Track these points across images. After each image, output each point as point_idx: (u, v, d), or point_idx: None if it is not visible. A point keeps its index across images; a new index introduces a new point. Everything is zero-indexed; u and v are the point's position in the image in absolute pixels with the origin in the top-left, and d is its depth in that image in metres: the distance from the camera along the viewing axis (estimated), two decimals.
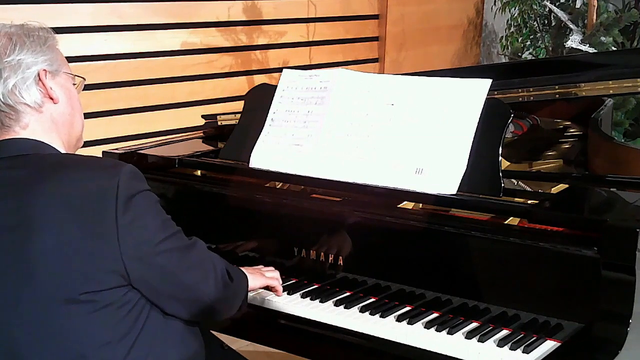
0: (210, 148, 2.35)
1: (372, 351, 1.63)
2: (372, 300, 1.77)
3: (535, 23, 5.03)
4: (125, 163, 1.48)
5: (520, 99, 2.24)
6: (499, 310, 1.63)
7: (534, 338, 1.55)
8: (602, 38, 4.24)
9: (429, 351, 1.57)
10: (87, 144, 1.72)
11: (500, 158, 1.74)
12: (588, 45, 4.22)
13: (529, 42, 5.07)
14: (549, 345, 1.54)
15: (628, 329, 1.42)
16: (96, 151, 2.05)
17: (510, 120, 1.78)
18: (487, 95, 1.80)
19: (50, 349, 1.40)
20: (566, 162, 2.27)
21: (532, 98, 2.24)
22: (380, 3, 5.11)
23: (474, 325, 1.64)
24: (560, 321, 1.55)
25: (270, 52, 4.58)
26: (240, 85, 4.41)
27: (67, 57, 1.64)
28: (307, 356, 1.80)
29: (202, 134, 2.57)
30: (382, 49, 5.16)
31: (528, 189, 1.88)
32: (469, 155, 1.76)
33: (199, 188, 2.10)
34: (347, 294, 1.81)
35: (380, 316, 1.70)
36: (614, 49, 4.27)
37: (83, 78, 1.67)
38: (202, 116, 2.66)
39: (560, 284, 1.55)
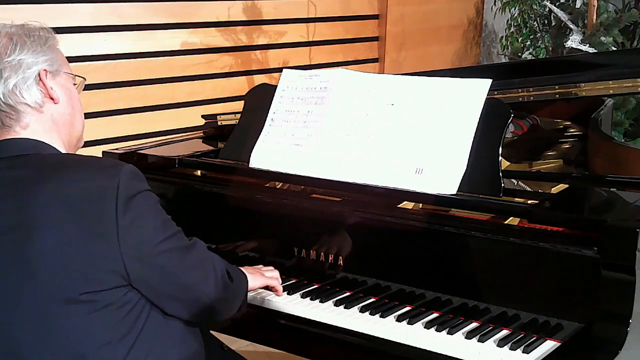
0: (210, 148, 2.35)
1: (372, 351, 1.63)
2: (372, 300, 1.77)
3: (535, 23, 5.03)
4: (126, 163, 1.48)
5: (520, 99, 2.24)
6: (499, 310, 1.63)
7: (534, 338, 1.55)
8: (602, 38, 4.24)
9: (429, 351, 1.57)
10: (87, 144, 1.72)
11: (500, 158, 1.74)
12: (588, 45, 4.22)
13: (529, 42, 5.07)
14: (549, 345, 1.54)
15: (628, 329, 1.42)
16: (96, 151, 2.05)
17: (510, 120, 1.78)
18: (487, 95, 1.80)
19: (50, 348, 1.40)
20: (566, 162, 2.27)
21: (532, 98, 2.24)
22: (380, 3, 5.12)
23: (474, 325, 1.64)
24: (560, 321, 1.55)
25: (270, 52, 4.58)
26: (240, 85, 4.41)
27: (67, 57, 1.64)
28: (307, 356, 1.80)
29: (202, 134, 2.57)
30: (382, 49, 5.16)
31: (528, 189, 1.88)
32: (469, 155, 1.76)
33: (199, 188, 2.10)
34: (347, 294, 1.81)
35: (380, 316, 1.70)
36: (614, 49, 4.27)
37: (83, 78, 1.67)
38: (202, 116, 2.66)
39: (560, 284, 1.55)
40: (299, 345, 1.76)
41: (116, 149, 2.29)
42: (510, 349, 1.53)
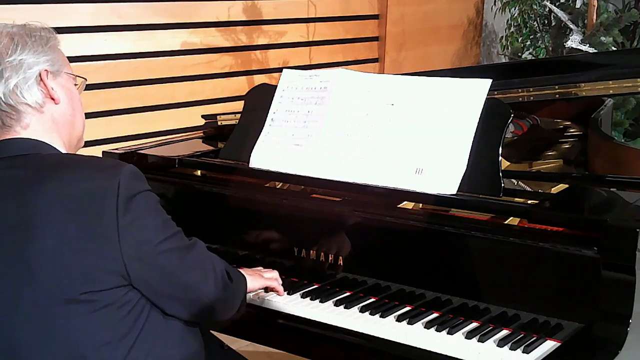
0: (210, 148, 2.35)
1: (372, 351, 1.63)
2: (372, 300, 1.77)
3: (535, 23, 5.03)
4: (126, 163, 1.48)
5: (520, 99, 2.24)
6: (499, 310, 1.63)
7: (534, 338, 1.55)
8: (602, 38, 4.24)
9: (429, 351, 1.57)
10: (87, 144, 1.72)
11: (500, 158, 1.74)
12: (588, 45, 4.22)
13: (529, 42, 5.07)
14: (549, 345, 1.54)
15: (628, 329, 1.42)
16: (96, 151, 2.05)
17: (510, 120, 1.78)
18: (487, 95, 1.80)
19: (50, 348, 1.40)
20: (566, 162, 2.27)
21: (532, 98, 2.23)
22: (380, 3, 5.12)
23: (474, 325, 1.64)
24: (560, 321, 1.55)
25: (270, 52, 4.58)
26: (240, 85, 4.41)
27: (67, 57, 1.64)
28: (307, 356, 1.80)
29: (202, 134, 2.57)
30: (382, 49, 5.16)
31: (528, 189, 1.88)
32: (469, 155, 1.76)
33: (199, 188, 2.10)
34: (347, 294, 1.81)
35: (380, 316, 1.70)
36: (614, 49, 4.27)
37: (84, 79, 1.67)
38: (202, 116, 2.66)
39: (560, 284, 1.55)
40: (299, 345, 1.76)
41: (116, 149, 2.29)
42: (510, 349, 1.53)
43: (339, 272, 1.84)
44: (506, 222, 1.67)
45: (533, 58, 4.87)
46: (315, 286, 1.86)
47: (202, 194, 2.09)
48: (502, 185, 1.72)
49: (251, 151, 2.06)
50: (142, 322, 1.47)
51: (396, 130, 1.86)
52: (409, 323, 1.66)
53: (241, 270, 1.74)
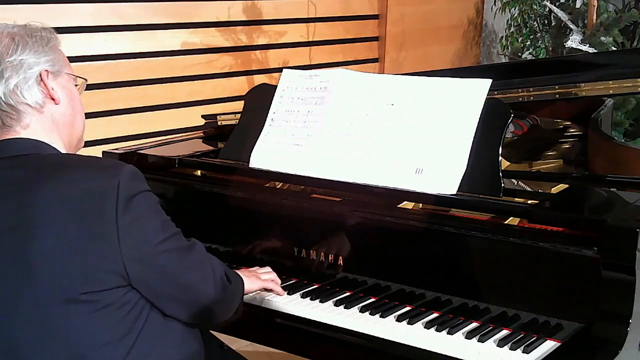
0: (210, 148, 2.35)
1: (372, 351, 1.63)
2: (372, 300, 1.77)
3: (535, 23, 5.03)
4: (126, 163, 1.47)
5: (520, 99, 2.24)
6: (499, 310, 1.63)
7: (534, 338, 1.55)
8: (602, 38, 4.24)
9: (429, 351, 1.57)
10: (87, 144, 1.72)
11: (500, 158, 1.74)
12: (588, 45, 4.22)
13: (529, 42, 5.07)
14: (549, 345, 1.54)
15: (628, 329, 1.42)
16: (96, 151, 2.05)
17: (510, 120, 1.78)
18: (487, 95, 1.80)
19: (50, 348, 1.40)
20: (566, 162, 2.27)
21: (532, 98, 2.23)
22: (380, 3, 5.12)
23: (474, 325, 1.64)
24: (560, 321, 1.55)
25: (270, 52, 4.58)
26: (240, 85, 4.41)
27: (67, 57, 1.64)
28: (307, 356, 1.80)
29: (202, 134, 2.57)
30: (382, 49, 5.16)
31: (528, 189, 1.88)
32: (469, 155, 1.76)
33: (199, 188, 2.10)
34: (347, 294, 1.81)
35: (380, 316, 1.70)
36: (614, 49, 4.27)
37: (85, 79, 1.67)
38: (202, 116, 2.66)
39: (560, 284, 1.55)
40: (299, 345, 1.76)
41: (116, 149, 2.29)
42: (510, 349, 1.53)
43: (339, 272, 1.84)
44: (506, 222, 1.67)
45: (533, 58, 4.87)
46: (315, 286, 1.86)
47: (202, 194, 2.09)
48: (502, 185, 1.72)
49: (251, 151, 2.06)
50: (142, 322, 1.47)
51: (396, 130, 1.86)
52: (409, 323, 1.66)
53: (238, 272, 1.74)
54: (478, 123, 1.77)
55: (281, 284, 1.86)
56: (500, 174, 1.73)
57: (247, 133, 2.11)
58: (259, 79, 4.43)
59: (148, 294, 1.47)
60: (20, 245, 1.39)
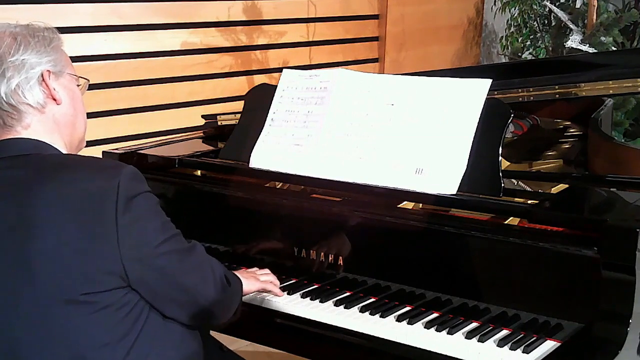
0: (210, 148, 2.35)
1: (372, 351, 1.63)
2: (372, 300, 1.77)
3: (535, 23, 5.03)
4: (126, 164, 1.47)
5: (520, 99, 2.24)
6: (499, 310, 1.63)
7: (534, 338, 1.55)
8: (602, 38, 4.24)
9: (429, 351, 1.57)
10: (87, 144, 1.71)
11: (500, 158, 1.74)
12: (588, 45, 4.22)
13: (529, 42, 5.07)
14: (549, 345, 1.54)
15: (628, 329, 1.42)
16: (96, 151, 2.05)
17: (510, 120, 1.78)
18: (487, 95, 1.80)
19: (50, 349, 1.40)
20: (566, 162, 2.27)
21: (532, 98, 2.24)
22: (380, 3, 5.12)
23: (474, 325, 1.64)
24: (560, 321, 1.55)
25: (270, 52, 4.58)
26: (240, 85, 4.41)
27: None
28: (307, 356, 1.80)
29: (202, 134, 2.57)
30: (382, 49, 5.16)
31: (528, 189, 1.88)
32: (469, 155, 1.76)
33: (199, 188, 2.10)
34: (347, 294, 1.81)
35: (380, 316, 1.70)
36: (614, 49, 4.27)
37: (87, 79, 1.66)
38: (202, 116, 2.66)
39: (560, 284, 1.55)
40: (299, 345, 1.76)
41: (116, 149, 2.29)
42: (510, 349, 1.53)
43: (339, 272, 1.84)
44: (506, 222, 1.67)
45: (533, 58, 4.87)
46: (315, 286, 1.86)
47: (202, 194, 2.09)
48: (502, 185, 1.72)
49: (251, 151, 2.06)
50: (142, 323, 1.46)
51: (396, 130, 1.86)
52: (409, 323, 1.66)
53: (237, 273, 1.74)
54: (478, 123, 1.77)
55: (281, 284, 1.86)
56: (500, 174, 1.73)
57: (247, 133, 2.11)
58: (259, 79, 4.43)
59: (147, 295, 1.47)
60: (20, 245, 1.39)
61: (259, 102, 2.14)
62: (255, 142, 2.06)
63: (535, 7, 4.95)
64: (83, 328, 1.40)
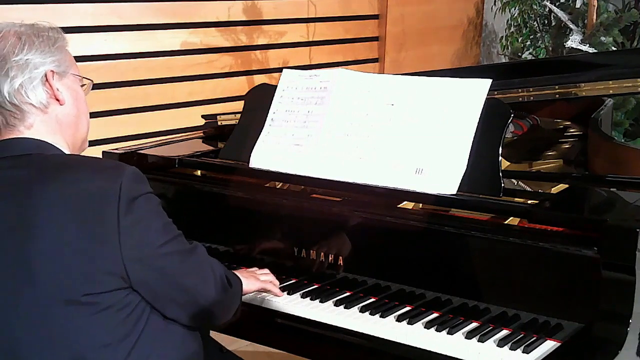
0: (210, 148, 2.35)
1: (372, 351, 1.63)
2: (372, 300, 1.77)
3: (535, 23, 5.03)
4: (128, 165, 1.47)
5: (520, 99, 2.24)
6: (499, 310, 1.63)
7: (534, 338, 1.55)
8: (602, 38, 4.24)
9: (429, 351, 1.57)
10: (88, 144, 1.71)
11: (500, 158, 1.74)
12: (588, 45, 4.23)
13: (529, 42, 5.07)
14: (549, 345, 1.54)
15: (628, 329, 1.42)
16: (96, 151, 2.05)
17: (510, 120, 1.78)
18: (487, 95, 1.80)
19: (50, 349, 1.40)
20: (566, 162, 2.27)
21: (532, 98, 2.23)
22: (380, 3, 5.12)
23: (474, 325, 1.64)
24: (560, 321, 1.55)
25: (270, 52, 4.59)
26: (240, 85, 4.41)
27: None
28: (307, 356, 1.80)
29: (202, 134, 2.57)
30: (382, 49, 5.16)
31: (528, 189, 1.88)
32: (469, 155, 1.76)
33: (199, 188, 2.10)
34: (347, 294, 1.81)
35: (380, 316, 1.70)
36: (614, 49, 4.27)
37: (91, 80, 1.66)
38: (202, 116, 2.66)
39: (560, 284, 1.55)
40: (299, 345, 1.76)
41: (116, 149, 2.29)
42: (510, 349, 1.53)
43: (339, 272, 1.84)
44: (506, 222, 1.67)
45: (533, 58, 4.87)
46: (315, 286, 1.86)
47: (202, 194, 2.09)
48: (502, 185, 1.72)
49: (251, 151, 2.06)
50: (142, 324, 1.46)
51: (396, 130, 1.86)
52: (409, 323, 1.66)
53: (237, 273, 1.74)
54: (478, 123, 1.77)
55: (281, 284, 1.86)
56: (500, 174, 1.73)
57: (247, 133, 2.11)
58: (259, 79, 4.43)
59: (148, 295, 1.47)
60: (21, 245, 1.39)
61: (259, 102, 2.14)
62: (255, 142, 2.06)
63: (535, 7, 4.95)
64: (84, 329, 1.40)
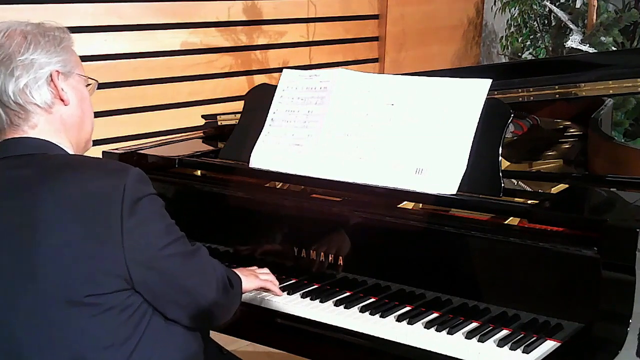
0: (210, 148, 2.35)
1: (372, 351, 1.63)
2: (372, 300, 1.77)
3: (535, 23, 5.03)
4: (132, 166, 1.46)
5: (520, 99, 2.24)
6: (499, 310, 1.63)
7: (534, 338, 1.55)
8: (602, 38, 4.24)
9: (429, 351, 1.57)
10: None
11: (500, 158, 1.74)
12: (588, 45, 4.22)
13: (529, 42, 5.07)
14: (549, 345, 1.54)
15: (628, 329, 1.42)
16: (96, 151, 2.04)
17: (510, 120, 1.78)
18: (487, 95, 1.80)
19: (51, 350, 1.40)
20: (566, 162, 2.27)
21: (532, 98, 2.23)
22: (380, 3, 5.12)
23: (474, 325, 1.64)
24: (560, 321, 1.55)
25: (270, 52, 4.59)
26: (240, 85, 4.41)
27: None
28: (307, 356, 1.80)
29: (202, 134, 2.57)
30: (382, 49, 5.16)
31: (528, 189, 1.88)
32: (469, 155, 1.76)
33: (199, 188, 2.10)
34: (347, 294, 1.81)
35: (380, 316, 1.70)
36: (614, 49, 4.27)
37: (96, 80, 1.66)
38: (202, 116, 2.66)
39: (560, 284, 1.55)
40: (299, 345, 1.76)
41: (116, 149, 2.29)
42: (510, 349, 1.53)
43: (339, 272, 1.84)
44: (506, 222, 1.67)
45: (533, 58, 4.87)
46: (315, 286, 1.86)
47: (202, 194, 2.09)
48: (502, 185, 1.72)
49: (251, 151, 2.06)
50: (144, 326, 1.46)
51: (396, 130, 1.86)
52: (409, 323, 1.66)
53: (236, 271, 1.74)
54: (478, 123, 1.77)
55: (281, 284, 1.86)
56: (500, 174, 1.73)
57: (247, 133, 2.11)
58: (259, 79, 4.43)
59: (150, 297, 1.47)
60: (24, 245, 1.39)
61: (259, 102, 2.14)
62: (255, 142, 2.06)
63: (535, 7, 4.95)
64: (85, 330, 1.40)
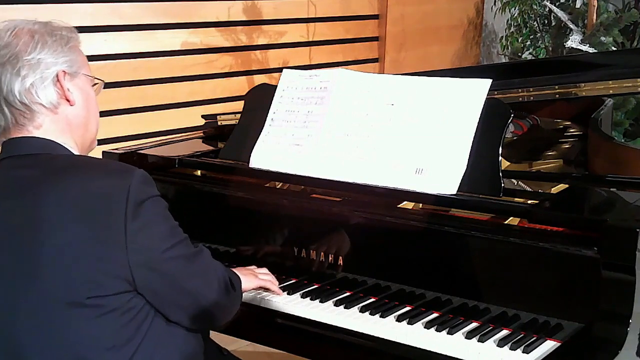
0: (210, 148, 2.35)
1: (372, 351, 1.63)
2: (372, 300, 1.77)
3: (535, 23, 5.03)
4: (137, 168, 1.46)
5: (520, 99, 2.24)
6: (499, 310, 1.63)
7: (534, 338, 1.55)
8: (602, 38, 4.24)
9: (429, 351, 1.57)
10: None
11: (500, 158, 1.74)
12: (588, 45, 4.22)
13: (529, 42, 5.07)
14: (549, 345, 1.54)
15: (628, 329, 1.42)
16: (96, 151, 2.04)
17: (510, 120, 1.78)
18: (487, 95, 1.80)
19: (53, 351, 1.40)
20: (566, 162, 2.27)
21: (532, 98, 2.23)
22: (380, 3, 5.12)
23: (474, 325, 1.64)
24: (560, 321, 1.55)
25: (270, 52, 4.59)
26: (240, 85, 4.41)
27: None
28: (307, 356, 1.80)
29: (202, 134, 2.57)
30: (382, 49, 5.16)
31: (528, 189, 1.88)
32: (469, 155, 1.76)
33: (199, 188, 2.10)
34: (347, 294, 1.81)
35: (380, 316, 1.70)
36: (614, 49, 4.27)
37: (102, 80, 1.66)
38: (202, 116, 2.66)
39: (560, 284, 1.55)
40: (299, 345, 1.76)
41: (116, 149, 2.29)
42: (510, 349, 1.53)
43: (339, 272, 1.84)
44: (506, 222, 1.67)
45: (533, 58, 4.87)
46: (315, 286, 1.86)
47: (202, 194, 2.09)
48: (502, 185, 1.72)
49: (251, 151, 2.06)
50: (146, 328, 1.46)
51: (396, 130, 1.86)
52: (409, 323, 1.66)
53: (236, 271, 1.74)
54: (478, 123, 1.77)
55: (281, 284, 1.86)
56: (500, 174, 1.73)
57: (247, 133, 2.11)
58: (259, 79, 4.43)
59: (152, 299, 1.47)
60: (27, 245, 1.39)
61: (259, 102, 2.14)
62: (255, 142, 2.06)
63: (535, 7, 4.95)
64: (87, 331, 1.39)
